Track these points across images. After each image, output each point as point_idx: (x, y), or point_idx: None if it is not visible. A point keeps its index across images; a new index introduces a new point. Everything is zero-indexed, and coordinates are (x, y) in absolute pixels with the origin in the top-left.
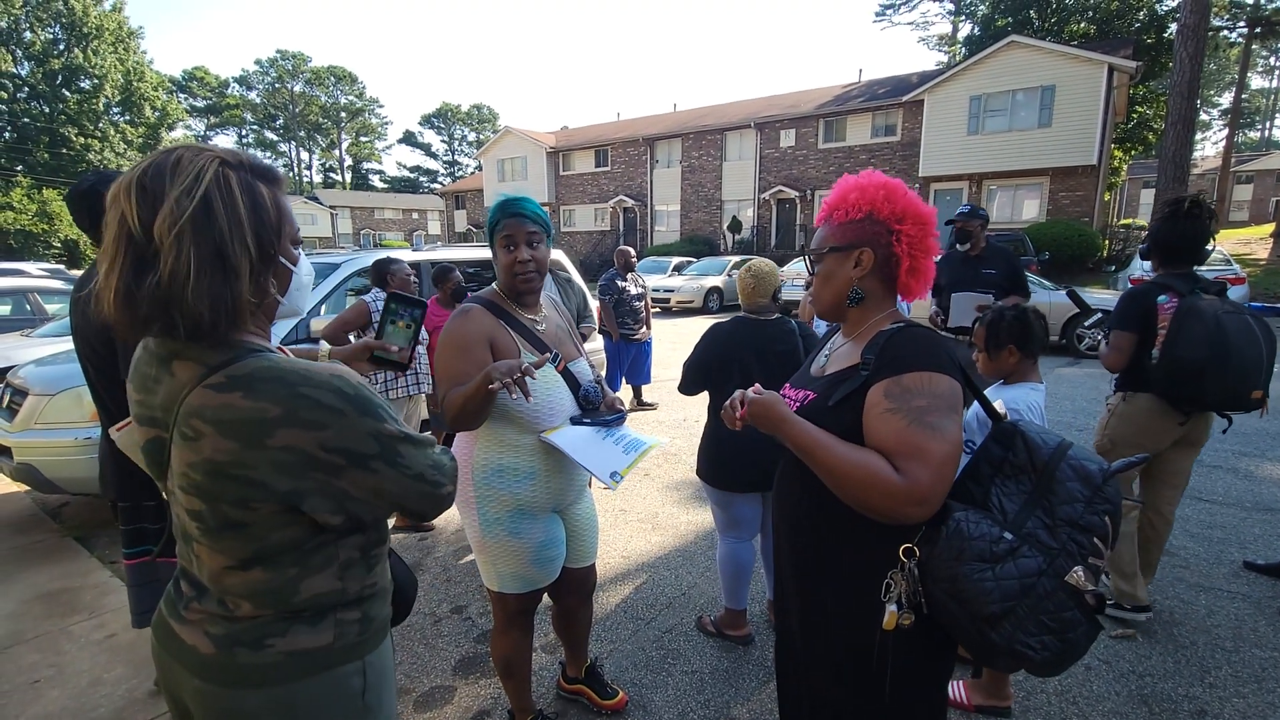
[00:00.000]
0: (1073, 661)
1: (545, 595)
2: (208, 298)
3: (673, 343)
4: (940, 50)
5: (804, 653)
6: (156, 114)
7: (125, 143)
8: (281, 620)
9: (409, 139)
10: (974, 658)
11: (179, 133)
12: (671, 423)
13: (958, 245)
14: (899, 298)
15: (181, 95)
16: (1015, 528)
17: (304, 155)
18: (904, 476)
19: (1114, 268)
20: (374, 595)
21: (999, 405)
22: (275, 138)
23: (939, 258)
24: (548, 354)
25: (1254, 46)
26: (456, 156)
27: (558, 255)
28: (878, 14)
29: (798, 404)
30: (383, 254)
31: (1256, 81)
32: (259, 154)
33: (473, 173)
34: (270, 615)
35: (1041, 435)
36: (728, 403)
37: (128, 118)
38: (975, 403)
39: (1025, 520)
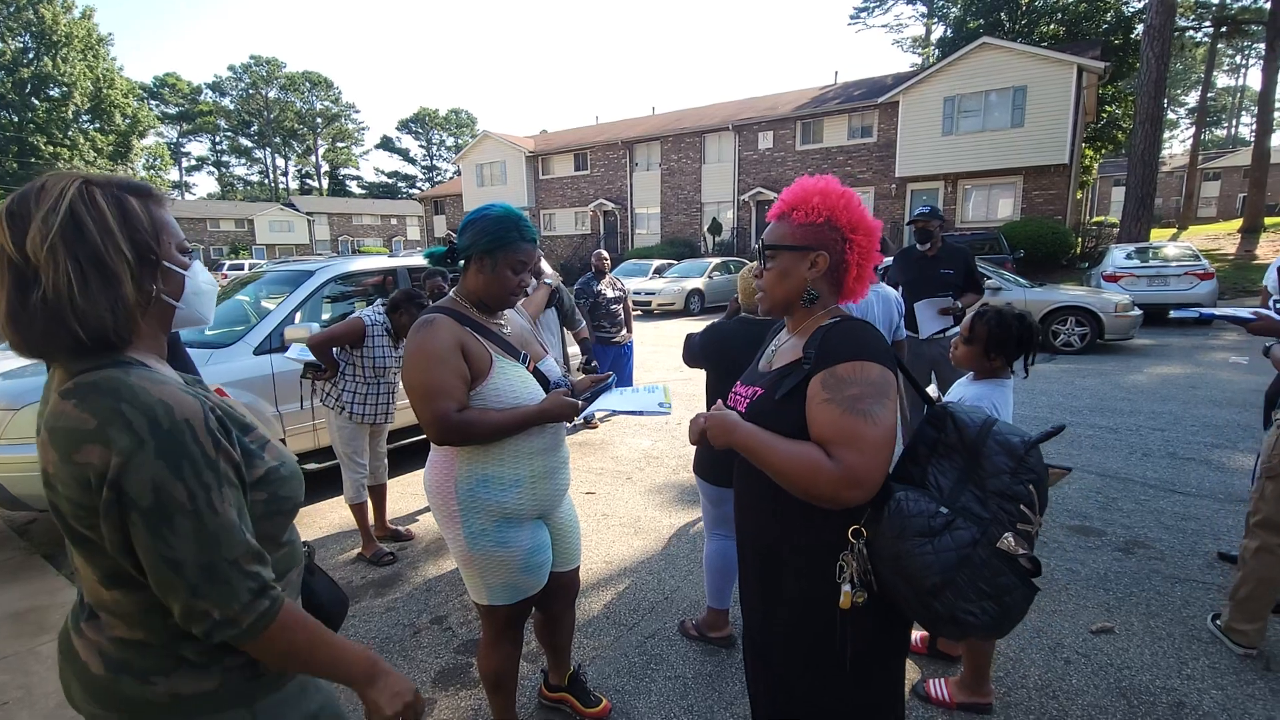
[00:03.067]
0: (1013, 623)
1: None
2: (105, 302)
3: (654, 345)
4: (914, 52)
5: (763, 634)
6: (127, 121)
7: (95, 150)
8: (167, 657)
9: (386, 144)
10: (923, 626)
11: (151, 140)
12: (653, 425)
13: (918, 245)
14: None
15: (153, 102)
16: (950, 502)
17: (280, 162)
18: (838, 462)
19: (1087, 264)
20: None
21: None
22: (250, 144)
23: (898, 254)
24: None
25: (1219, 46)
26: (435, 161)
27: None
28: (852, 16)
29: (748, 399)
30: (359, 260)
31: (1222, 80)
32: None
33: (451, 178)
34: (152, 643)
35: (969, 415)
36: (690, 421)
37: (98, 125)
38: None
39: (959, 495)
